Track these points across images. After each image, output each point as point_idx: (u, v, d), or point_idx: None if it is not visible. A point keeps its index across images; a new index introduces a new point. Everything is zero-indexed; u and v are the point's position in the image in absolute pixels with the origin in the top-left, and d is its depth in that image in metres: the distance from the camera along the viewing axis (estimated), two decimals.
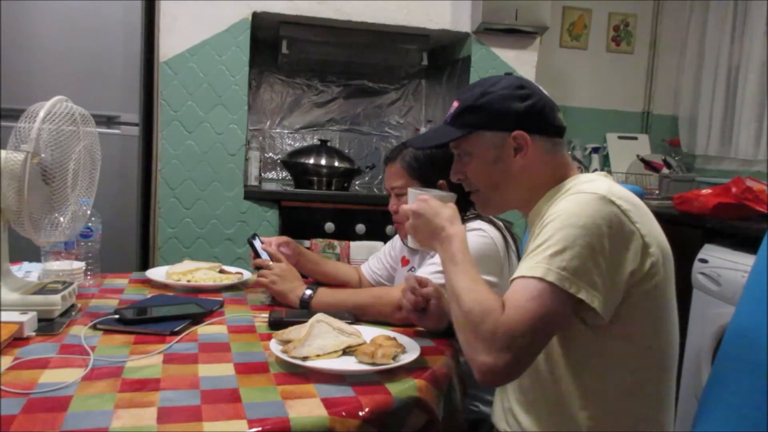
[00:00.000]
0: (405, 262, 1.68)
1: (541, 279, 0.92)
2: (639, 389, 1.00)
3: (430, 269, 1.40)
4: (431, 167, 1.50)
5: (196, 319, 1.24)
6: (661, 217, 2.43)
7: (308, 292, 1.39)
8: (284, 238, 1.61)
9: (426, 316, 1.24)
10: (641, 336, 1.00)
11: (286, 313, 1.28)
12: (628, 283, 0.96)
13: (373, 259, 1.78)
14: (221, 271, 1.62)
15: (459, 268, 1.02)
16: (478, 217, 1.49)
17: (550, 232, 0.96)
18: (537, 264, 0.94)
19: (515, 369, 0.92)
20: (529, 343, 0.91)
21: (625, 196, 1.00)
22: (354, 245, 2.56)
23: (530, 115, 1.09)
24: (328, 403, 0.89)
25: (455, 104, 1.15)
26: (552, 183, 1.11)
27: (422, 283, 1.23)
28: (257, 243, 1.51)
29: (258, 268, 1.47)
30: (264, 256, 1.49)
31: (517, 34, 2.76)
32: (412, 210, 1.12)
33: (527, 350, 0.92)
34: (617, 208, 0.96)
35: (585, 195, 0.98)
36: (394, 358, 1.04)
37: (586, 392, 1.01)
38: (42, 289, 1.22)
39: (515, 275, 0.97)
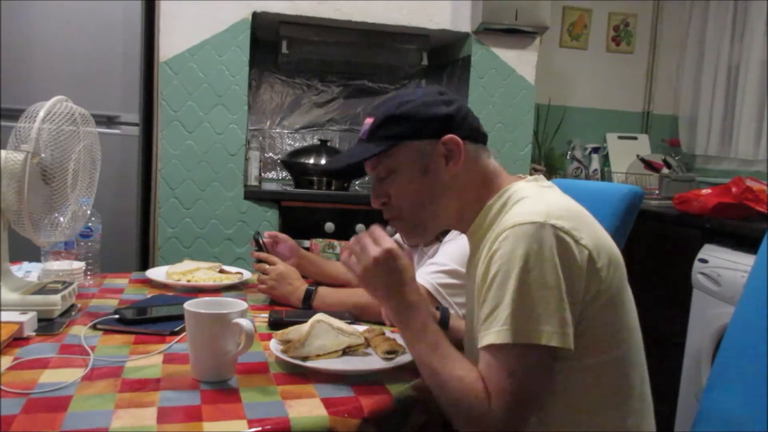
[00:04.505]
0: None
1: (512, 344, 0.87)
2: (607, 400, 0.96)
3: (429, 269, 1.40)
4: None
5: None
6: (661, 217, 2.47)
7: (310, 288, 1.39)
8: (285, 236, 1.62)
9: None
10: (602, 350, 0.94)
11: (286, 313, 1.28)
12: (582, 305, 0.91)
13: None
14: (221, 271, 1.62)
15: (431, 348, 0.94)
16: None
17: (505, 287, 0.88)
18: (501, 329, 0.87)
19: (517, 427, 0.90)
20: (525, 410, 0.90)
21: (564, 212, 0.93)
22: None
23: (457, 119, 1.02)
24: (328, 403, 0.90)
25: (369, 120, 1.04)
26: (486, 194, 1.03)
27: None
28: (260, 239, 1.53)
29: (258, 261, 1.47)
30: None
31: (517, 34, 2.76)
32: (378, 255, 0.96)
33: (524, 414, 0.90)
34: (561, 232, 0.89)
35: (524, 227, 0.89)
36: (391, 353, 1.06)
37: (555, 414, 0.96)
38: (42, 289, 1.22)
39: (482, 342, 0.90)
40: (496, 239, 0.92)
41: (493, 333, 0.88)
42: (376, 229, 0.99)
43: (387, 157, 1.03)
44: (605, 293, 0.93)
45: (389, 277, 0.96)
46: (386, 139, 1.01)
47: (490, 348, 0.89)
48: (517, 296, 0.87)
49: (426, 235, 1.12)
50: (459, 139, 1.01)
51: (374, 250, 0.96)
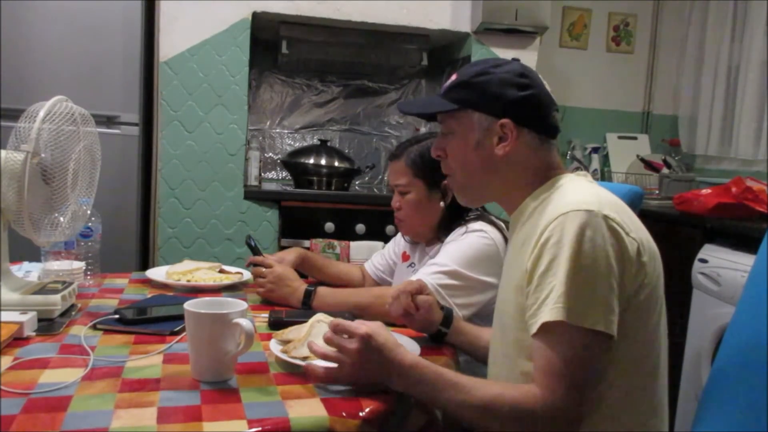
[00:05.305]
0: (405, 257, 1.68)
1: (566, 324, 0.88)
2: (632, 398, 0.97)
3: (430, 269, 1.39)
4: (436, 165, 1.50)
5: None
6: (661, 217, 2.46)
7: (309, 289, 1.39)
8: (279, 255, 1.60)
9: (411, 319, 1.21)
10: (637, 345, 0.96)
11: (286, 313, 1.28)
12: (628, 296, 0.93)
13: (377, 256, 1.78)
14: (221, 271, 1.62)
15: (456, 389, 0.93)
16: (479, 218, 1.49)
17: (556, 268, 0.90)
18: (555, 306, 0.89)
19: (580, 410, 0.90)
20: (581, 397, 0.89)
21: (613, 205, 0.96)
22: (354, 245, 2.56)
23: (523, 106, 1.03)
24: (328, 403, 0.89)
25: (453, 77, 1.09)
26: (537, 182, 1.06)
27: (422, 290, 1.21)
28: (253, 243, 1.53)
29: (254, 265, 1.47)
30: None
31: (517, 34, 2.76)
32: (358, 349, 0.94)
33: (583, 395, 0.89)
34: (613, 222, 0.91)
35: (577, 214, 0.91)
36: None
37: None
38: (42, 289, 1.22)
39: (537, 323, 0.91)
40: (547, 226, 0.93)
41: (547, 311, 0.90)
42: (340, 323, 0.98)
43: (451, 117, 1.08)
44: (647, 287, 0.95)
45: (380, 355, 0.94)
46: (455, 101, 1.07)
47: (545, 328, 0.90)
48: (570, 279, 0.89)
49: (473, 199, 1.17)
50: (514, 127, 1.03)
51: (353, 344, 0.95)
